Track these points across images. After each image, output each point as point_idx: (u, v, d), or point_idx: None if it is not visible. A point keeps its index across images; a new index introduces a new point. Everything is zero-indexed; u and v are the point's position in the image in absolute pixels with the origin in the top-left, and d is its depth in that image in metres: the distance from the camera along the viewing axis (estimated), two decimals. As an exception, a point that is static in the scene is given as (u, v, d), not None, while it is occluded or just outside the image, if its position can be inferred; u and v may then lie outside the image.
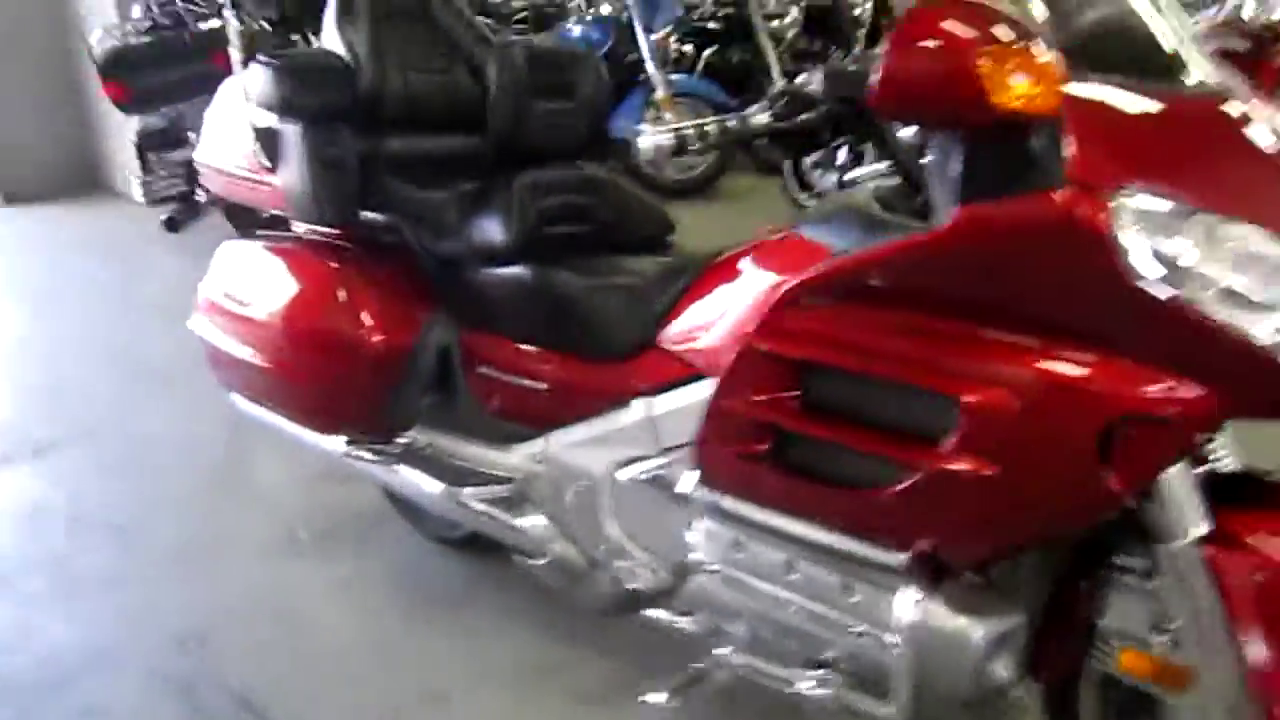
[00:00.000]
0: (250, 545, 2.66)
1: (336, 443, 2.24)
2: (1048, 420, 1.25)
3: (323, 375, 2.15)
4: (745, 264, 1.64)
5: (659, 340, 1.76)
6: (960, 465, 1.31)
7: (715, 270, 1.72)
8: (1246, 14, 3.66)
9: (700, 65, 6.49)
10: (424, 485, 2.11)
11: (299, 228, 2.37)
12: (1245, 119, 1.31)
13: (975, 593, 1.45)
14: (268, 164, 2.20)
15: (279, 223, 2.47)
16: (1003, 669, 1.43)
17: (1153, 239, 1.17)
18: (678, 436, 1.70)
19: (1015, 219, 1.23)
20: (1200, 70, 1.38)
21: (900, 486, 1.37)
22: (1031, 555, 1.47)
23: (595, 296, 1.90)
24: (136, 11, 5.31)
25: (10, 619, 2.39)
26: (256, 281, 2.26)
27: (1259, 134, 1.30)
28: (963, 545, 1.42)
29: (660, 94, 5.70)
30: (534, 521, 1.99)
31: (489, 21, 2.49)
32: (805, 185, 5.61)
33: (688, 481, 1.67)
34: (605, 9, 6.67)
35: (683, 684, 1.71)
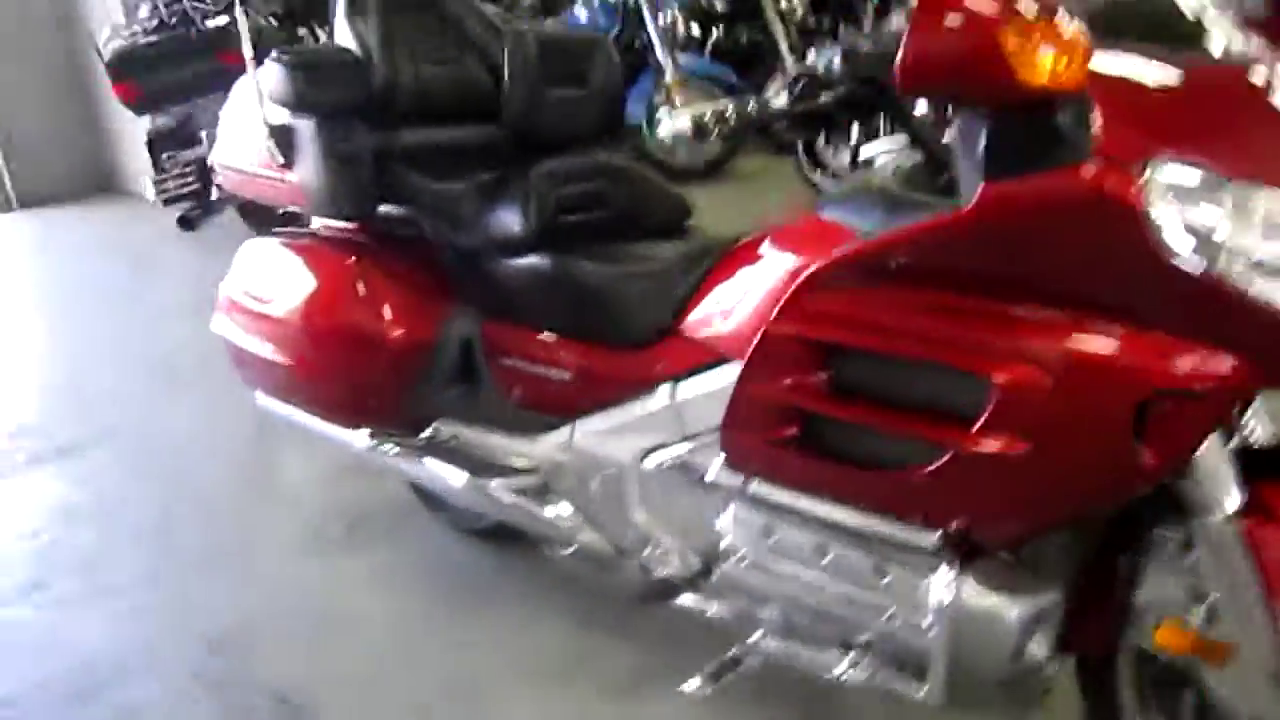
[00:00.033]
0: (279, 542, 2.68)
1: (361, 437, 2.25)
2: (1081, 397, 1.24)
3: (346, 371, 2.15)
4: (767, 247, 1.63)
5: (681, 326, 1.76)
6: (992, 444, 1.30)
7: (737, 254, 1.71)
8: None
9: (709, 47, 6.45)
10: (450, 478, 2.11)
11: (316, 223, 2.38)
12: (1271, 86, 1.30)
13: (1009, 571, 1.44)
14: (283, 161, 2.20)
15: (295, 219, 2.48)
16: (1039, 647, 1.43)
17: (1184, 211, 1.16)
18: (703, 422, 1.70)
19: (1043, 195, 1.22)
20: (1223, 37, 1.36)
21: (932, 467, 1.36)
22: (1065, 532, 1.46)
23: (617, 284, 1.89)
24: (144, 11, 5.32)
25: (45, 621, 2.42)
26: (277, 279, 2.26)
27: (1286, 100, 1.28)
28: (996, 524, 1.41)
29: (669, 77, 5.67)
30: (561, 511, 1.99)
31: (497, 9, 2.46)
32: (818, 164, 5.59)
33: (715, 468, 1.67)
34: (612, -8, 6.63)
35: (717, 671, 1.72)
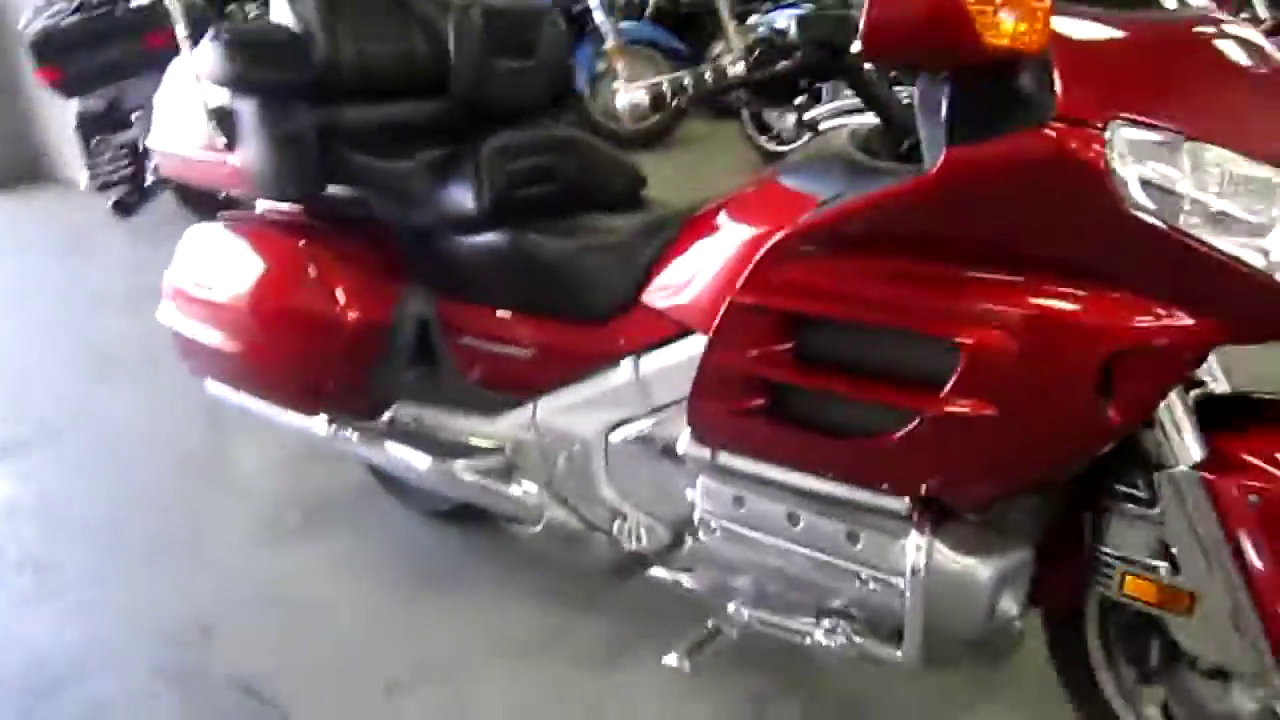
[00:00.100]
0: (235, 532, 2.63)
1: (319, 424, 2.21)
2: (1046, 358, 1.25)
3: (301, 356, 2.11)
4: (727, 216, 1.62)
5: (642, 299, 1.74)
6: (960, 408, 1.31)
7: (697, 223, 1.69)
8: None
9: (648, 10, 6.40)
10: (412, 461, 2.09)
11: (261, 206, 2.32)
12: (1223, 37, 1.31)
13: (980, 532, 1.45)
14: (225, 143, 2.14)
15: (235, 203, 2.41)
16: (1010, 604, 1.44)
17: (1146, 169, 1.17)
18: (668, 395, 1.69)
19: (1006, 158, 1.22)
20: (1176, -7, 1.37)
21: (900, 433, 1.36)
22: (1032, 492, 1.48)
23: (574, 258, 1.87)
24: (65, -10, 5.14)
25: (-4, 621, 2.36)
26: (225, 265, 2.20)
27: (1237, 52, 1.29)
28: (966, 487, 1.42)
29: (610, 43, 5.60)
30: (527, 489, 1.98)
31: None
32: (763, 128, 5.58)
33: (682, 440, 1.66)
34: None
35: (696, 644, 1.72)
